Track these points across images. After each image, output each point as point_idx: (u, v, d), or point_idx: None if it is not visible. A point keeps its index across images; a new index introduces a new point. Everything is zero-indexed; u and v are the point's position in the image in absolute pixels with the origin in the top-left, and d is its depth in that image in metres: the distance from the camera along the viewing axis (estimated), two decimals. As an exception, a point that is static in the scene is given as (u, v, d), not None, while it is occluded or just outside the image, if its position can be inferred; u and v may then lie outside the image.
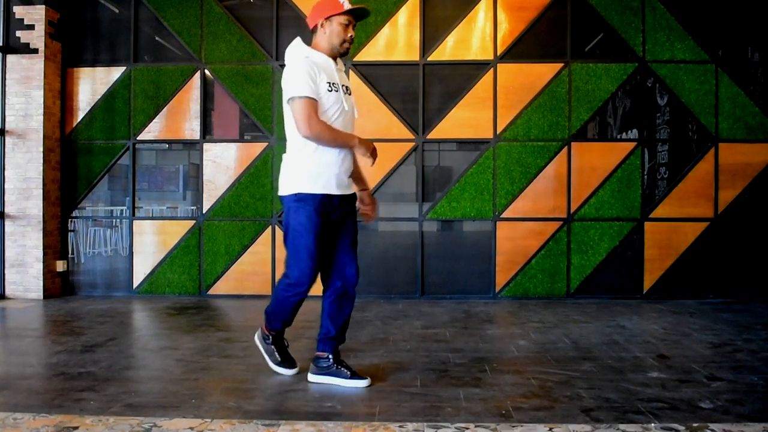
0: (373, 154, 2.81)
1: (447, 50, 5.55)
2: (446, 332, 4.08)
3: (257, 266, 5.61)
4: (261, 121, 5.62)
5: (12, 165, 5.46)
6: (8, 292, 5.46)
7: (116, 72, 5.72)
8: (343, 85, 2.82)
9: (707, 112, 5.45)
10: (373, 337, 3.93)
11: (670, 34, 5.46)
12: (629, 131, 5.58)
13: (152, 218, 5.88)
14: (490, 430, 2.29)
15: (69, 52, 5.74)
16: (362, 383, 2.83)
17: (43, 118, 5.42)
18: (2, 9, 5.43)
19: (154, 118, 5.70)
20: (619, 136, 5.61)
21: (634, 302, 5.32)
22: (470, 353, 3.50)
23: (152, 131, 5.71)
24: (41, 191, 5.44)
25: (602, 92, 5.48)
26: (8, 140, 5.45)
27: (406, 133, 5.54)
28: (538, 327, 4.27)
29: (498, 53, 5.51)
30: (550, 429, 2.29)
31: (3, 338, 4.09)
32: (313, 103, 2.67)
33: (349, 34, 2.80)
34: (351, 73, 5.47)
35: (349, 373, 2.86)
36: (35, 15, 5.41)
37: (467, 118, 5.52)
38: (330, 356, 2.88)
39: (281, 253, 5.52)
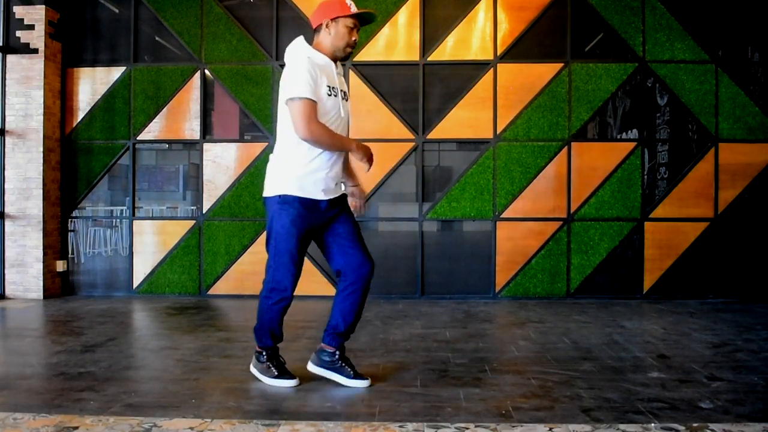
0: (370, 159, 2.77)
1: (447, 50, 5.55)
2: (446, 332, 4.08)
3: (257, 266, 5.60)
4: (261, 121, 5.62)
5: (12, 165, 5.46)
6: (8, 292, 5.46)
7: (116, 72, 5.72)
8: (341, 90, 2.77)
9: (707, 112, 5.45)
10: (373, 337, 3.93)
11: (670, 34, 5.46)
12: (629, 131, 5.58)
13: (152, 218, 5.88)
14: (490, 430, 2.29)
15: (69, 52, 5.74)
16: (363, 383, 2.82)
17: (43, 118, 5.43)
18: (2, 9, 5.43)
19: (154, 118, 5.70)
20: (619, 136, 5.61)
21: (634, 302, 5.32)
22: (470, 353, 3.50)
23: (152, 131, 5.71)
24: (41, 191, 5.44)
25: (602, 92, 5.48)
26: (8, 140, 5.46)
27: (406, 133, 5.54)
28: (538, 327, 4.27)
29: (498, 53, 5.51)
30: (550, 429, 2.29)
31: (3, 338, 4.09)
32: (313, 105, 2.61)
33: (353, 38, 2.75)
34: (351, 73, 5.48)
35: (352, 372, 2.83)
36: (35, 15, 5.41)
37: (467, 118, 5.52)
38: (336, 351, 2.83)
39: (281, 253, 5.55)
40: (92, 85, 5.74)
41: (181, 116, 5.70)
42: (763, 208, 5.44)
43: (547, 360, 3.35)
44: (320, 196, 2.71)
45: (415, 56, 5.55)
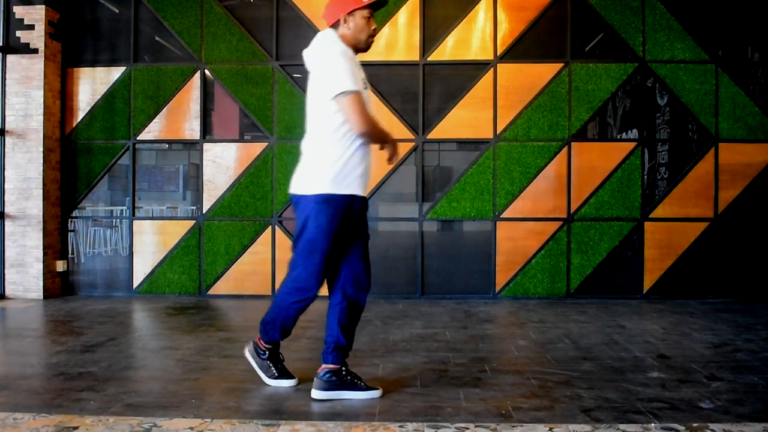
0: (396, 157, 2.73)
1: (447, 50, 5.55)
2: (446, 332, 4.08)
3: (257, 266, 5.61)
4: (261, 121, 5.62)
5: (12, 165, 5.46)
6: (8, 292, 5.46)
7: (116, 72, 5.72)
8: (366, 81, 2.74)
9: (707, 112, 5.45)
10: (373, 337, 3.93)
11: (670, 34, 5.46)
12: (629, 131, 5.58)
13: (152, 218, 5.88)
14: (490, 430, 2.29)
15: (69, 52, 5.74)
16: (377, 394, 2.70)
17: (43, 118, 5.42)
18: (2, 9, 5.43)
19: (154, 118, 5.70)
20: (619, 136, 5.61)
21: (634, 302, 5.32)
22: (470, 353, 3.50)
23: (152, 131, 5.71)
24: (41, 191, 5.43)
25: (602, 92, 5.48)
26: (8, 140, 5.45)
27: (406, 133, 5.54)
28: (538, 327, 4.27)
29: (498, 53, 5.51)
30: (550, 429, 2.29)
31: (3, 338, 4.09)
32: (361, 98, 2.55)
33: (372, 27, 2.71)
34: (351, 73, 5.47)
35: (363, 384, 2.70)
36: (35, 15, 5.41)
37: (467, 118, 5.52)
38: (343, 368, 2.68)
39: (281, 253, 5.56)
40: (92, 85, 5.74)
41: (181, 116, 5.70)
42: (763, 208, 5.44)
43: (547, 360, 3.35)
44: (359, 192, 2.63)
45: (415, 56, 5.55)
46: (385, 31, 5.55)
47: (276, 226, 5.59)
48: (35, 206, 5.44)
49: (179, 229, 5.70)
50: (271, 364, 2.85)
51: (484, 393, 2.74)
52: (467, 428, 2.31)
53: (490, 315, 4.77)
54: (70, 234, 5.79)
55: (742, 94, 5.43)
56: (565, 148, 5.49)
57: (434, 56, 5.54)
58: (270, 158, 5.60)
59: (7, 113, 5.45)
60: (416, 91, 5.56)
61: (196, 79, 5.67)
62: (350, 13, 2.66)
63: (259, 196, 5.62)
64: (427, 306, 5.14)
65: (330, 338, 2.68)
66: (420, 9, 5.53)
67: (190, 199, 6.07)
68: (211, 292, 5.64)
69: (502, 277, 5.51)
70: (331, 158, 2.58)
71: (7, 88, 5.44)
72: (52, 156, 5.57)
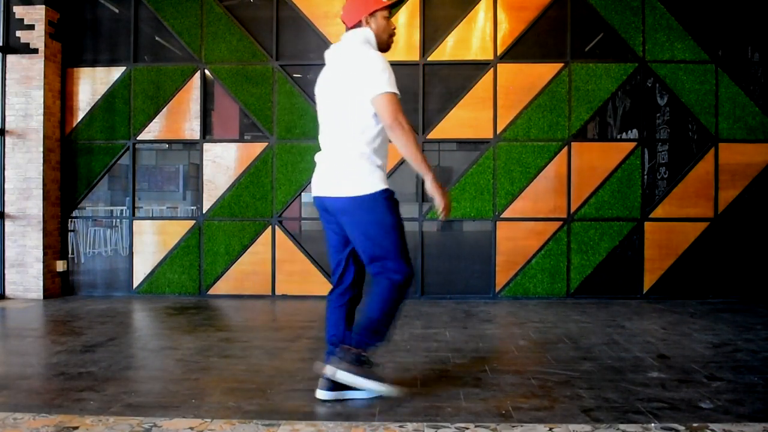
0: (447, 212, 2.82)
1: (447, 50, 5.55)
2: (446, 332, 4.08)
3: (257, 266, 5.61)
4: (261, 121, 5.62)
5: (12, 165, 5.46)
6: (8, 292, 5.46)
7: (116, 72, 5.72)
8: None
9: (707, 112, 5.45)
10: (373, 337, 3.92)
11: (670, 34, 5.46)
12: (629, 131, 5.58)
13: (152, 218, 5.89)
14: (490, 430, 2.29)
15: (69, 52, 5.74)
16: (391, 390, 2.65)
17: (43, 118, 5.43)
18: (2, 9, 5.43)
19: (154, 118, 5.70)
20: (619, 136, 5.61)
21: (634, 302, 5.32)
22: (470, 353, 3.50)
23: (152, 131, 5.71)
24: (41, 191, 5.44)
25: (602, 92, 5.48)
26: (8, 140, 5.46)
27: (406, 133, 5.52)
28: (538, 327, 4.27)
29: (498, 53, 5.51)
30: (550, 429, 2.29)
31: (3, 338, 4.09)
32: (399, 100, 2.64)
33: (392, 27, 2.75)
34: (351, 73, 5.47)
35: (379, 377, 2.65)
36: (35, 15, 5.41)
37: (467, 118, 5.52)
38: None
39: (281, 253, 5.56)
40: (92, 85, 5.75)
41: (181, 116, 5.70)
42: (763, 208, 5.44)
43: (547, 360, 3.35)
44: (389, 185, 2.72)
45: (415, 56, 5.55)
46: (385, 31, 5.54)
47: (276, 226, 5.59)
48: (35, 206, 5.44)
49: (179, 229, 5.70)
50: (372, 369, 2.66)
51: (484, 393, 2.74)
52: (467, 428, 2.31)
53: (490, 315, 4.77)
54: (70, 234, 5.79)
55: (742, 94, 5.43)
56: (565, 148, 5.49)
57: (434, 56, 5.54)
58: (270, 158, 5.60)
59: (7, 113, 5.45)
60: (416, 91, 5.57)
61: (196, 79, 5.67)
62: (372, 14, 2.68)
63: (259, 196, 5.62)
64: (427, 306, 5.14)
65: (335, 337, 2.69)
66: (420, 9, 5.53)
67: (190, 199, 6.08)
68: (211, 292, 5.64)
69: (502, 277, 5.51)
70: (369, 156, 2.64)
71: (7, 88, 5.44)
72: (52, 156, 5.57)
